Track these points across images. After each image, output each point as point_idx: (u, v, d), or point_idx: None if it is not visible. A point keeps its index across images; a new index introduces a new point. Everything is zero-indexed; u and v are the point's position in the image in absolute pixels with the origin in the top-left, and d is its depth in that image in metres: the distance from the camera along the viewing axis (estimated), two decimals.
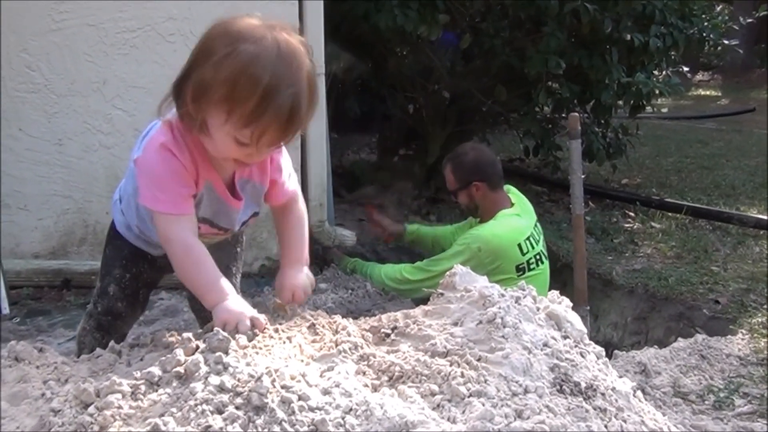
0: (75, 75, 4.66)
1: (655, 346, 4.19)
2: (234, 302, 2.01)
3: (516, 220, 4.31)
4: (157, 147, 2.03)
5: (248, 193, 2.30)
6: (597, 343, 5.40)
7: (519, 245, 4.17)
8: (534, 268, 4.23)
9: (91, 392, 1.63)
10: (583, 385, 1.85)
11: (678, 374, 3.80)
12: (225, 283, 2.05)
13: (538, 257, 4.26)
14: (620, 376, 2.26)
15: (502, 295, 2.08)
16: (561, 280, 5.31)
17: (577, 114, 4.74)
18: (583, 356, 1.99)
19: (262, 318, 2.00)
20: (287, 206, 2.41)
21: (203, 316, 2.65)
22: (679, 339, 4.21)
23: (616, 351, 4.13)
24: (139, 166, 2.09)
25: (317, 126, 5.15)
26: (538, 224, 4.48)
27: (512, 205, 4.42)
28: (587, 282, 4.99)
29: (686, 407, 3.51)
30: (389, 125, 8.10)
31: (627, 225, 6.91)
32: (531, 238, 4.25)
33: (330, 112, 7.65)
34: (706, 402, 3.55)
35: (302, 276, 2.32)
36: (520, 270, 4.17)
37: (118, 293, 2.51)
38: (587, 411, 1.77)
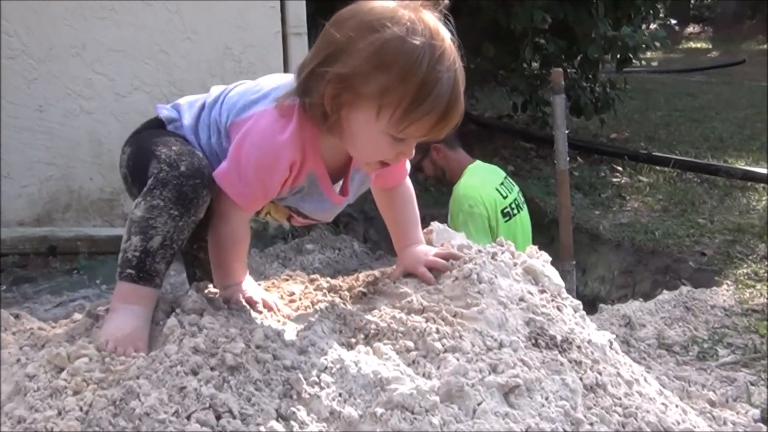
0: (54, 40, 4.62)
1: (641, 299, 4.21)
2: (247, 284, 2.00)
3: (483, 172, 4.37)
4: (263, 140, 1.81)
5: (356, 184, 2.05)
6: (584, 297, 5.44)
7: (497, 190, 4.23)
8: (516, 214, 4.27)
9: (64, 357, 1.63)
10: (559, 338, 1.86)
11: (662, 326, 3.81)
12: (243, 267, 2.02)
13: (515, 204, 4.31)
14: (599, 329, 2.28)
15: (479, 251, 2.08)
16: (548, 235, 5.34)
17: (560, 69, 4.73)
18: (559, 310, 2.00)
19: (271, 298, 2.01)
20: (405, 183, 2.17)
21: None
22: (664, 291, 4.23)
23: (601, 304, 4.15)
24: (238, 145, 1.84)
25: None
26: (508, 178, 4.50)
27: (474, 161, 4.46)
28: (574, 237, 5.01)
29: (670, 358, 3.53)
30: None
31: (615, 179, 6.92)
32: (503, 186, 4.31)
33: None
34: (690, 353, 3.57)
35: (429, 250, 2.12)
36: (506, 215, 4.19)
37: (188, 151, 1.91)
38: (562, 364, 1.78)
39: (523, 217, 4.42)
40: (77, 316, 2.06)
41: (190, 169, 1.80)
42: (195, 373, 1.59)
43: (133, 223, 1.77)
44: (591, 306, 4.38)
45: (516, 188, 4.46)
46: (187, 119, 1.98)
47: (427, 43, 1.66)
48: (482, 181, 4.30)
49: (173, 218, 1.76)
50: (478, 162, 4.47)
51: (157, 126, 2.02)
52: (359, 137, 1.77)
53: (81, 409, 1.52)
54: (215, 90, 2.02)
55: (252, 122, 1.83)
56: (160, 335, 1.76)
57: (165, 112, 2.02)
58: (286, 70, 5.24)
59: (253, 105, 1.87)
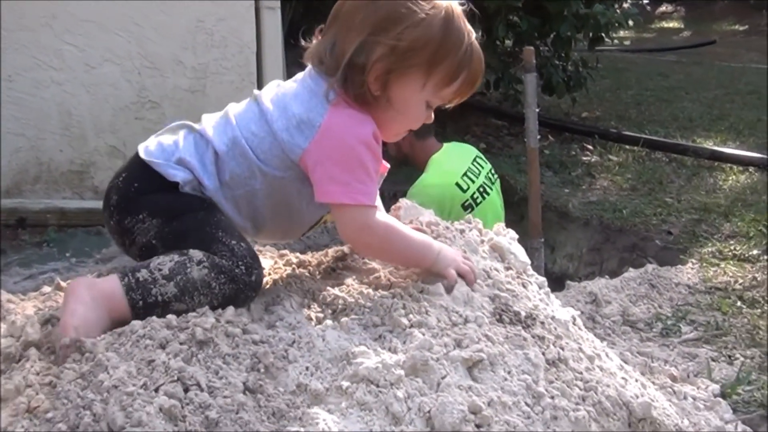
0: (23, 9, 4.56)
1: (607, 277, 4.27)
2: (445, 252, 1.95)
3: (447, 163, 4.30)
4: (357, 135, 1.83)
5: None
6: (552, 274, 5.50)
7: (457, 184, 4.17)
8: (481, 201, 4.24)
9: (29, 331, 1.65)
10: (523, 314, 1.90)
11: (628, 303, 3.88)
12: (422, 236, 1.98)
13: (481, 189, 4.26)
14: (565, 306, 2.32)
15: (447, 228, 2.11)
16: (518, 212, 5.38)
17: (531, 48, 4.75)
18: (524, 287, 2.04)
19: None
20: None
21: None
22: (630, 269, 4.30)
23: (568, 281, 4.21)
24: (331, 157, 1.82)
25: (273, 61, 5.11)
26: (479, 159, 4.44)
27: (441, 147, 4.38)
28: (544, 214, 5.07)
29: (634, 335, 3.59)
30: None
31: (585, 158, 6.98)
32: (468, 174, 4.24)
33: (291, 48, 7.59)
34: (654, 330, 3.64)
35: None
36: (467, 207, 4.17)
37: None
38: (525, 339, 1.82)
39: (493, 199, 4.38)
40: (46, 288, 2.07)
41: (257, 282, 1.82)
42: (163, 347, 1.61)
43: (188, 276, 1.75)
44: (559, 283, 4.44)
45: (486, 168, 4.38)
46: (209, 179, 1.88)
47: (458, 13, 1.85)
48: (442, 176, 4.22)
49: (207, 303, 1.76)
50: (446, 146, 4.37)
51: (156, 181, 1.87)
52: (404, 109, 1.90)
53: (50, 383, 1.55)
54: (218, 140, 1.89)
55: (331, 130, 1.83)
56: None
57: (179, 174, 1.87)
58: (258, 43, 5.22)
59: (304, 126, 1.85)
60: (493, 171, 4.44)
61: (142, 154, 1.90)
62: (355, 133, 1.83)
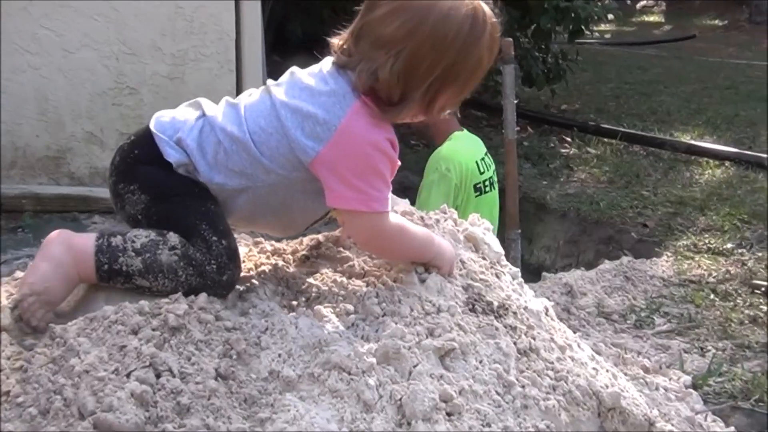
0: None
1: (583, 268, 4.30)
2: (444, 248, 1.96)
3: (469, 142, 4.31)
4: (374, 142, 1.78)
5: None
6: (529, 265, 5.52)
7: (477, 163, 4.17)
8: (487, 191, 4.22)
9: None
10: (496, 304, 1.91)
11: (603, 295, 3.91)
12: (424, 231, 1.98)
13: (490, 181, 4.26)
14: (541, 297, 2.34)
15: (422, 218, 2.12)
16: None
17: (510, 39, 4.76)
18: (498, 277, 2.05)
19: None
20: None
21: None
22: (606, 261, 4.33)
23: (544, 273, 4.24)
24: (345, 163, 1.78)
25: (252, 48, 5.09)
26: (487, 155, 4.45)
27: (462, 129, 4.40)
28: (521, 206, 5.09)
29: (608, 326, 3.63)
30: (332, 47, 8.02)
31: (563, 150, 7.02)
32: (484, 161, 4.25)
33: (272, 36, 7.56)
34: (628, 321, 3.68)
35: None
36: (478, 190, 4.16)
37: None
38: (497, 329, 1.83)
39: (494, 196, 4.37)
40: (19, 274, 2.06)
41: (228, 281, 1.80)
42: (135, 333, 1.61)
43: (156, 257, 1.75)
44: (536, 274, 4.47)
45: (493, 166, 4.38)
46: (205, 167, 1.84)
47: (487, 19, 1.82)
48: (466, 151, 4.23)
49: (172, 288, 1.75)
50: (465, 131, 4.40)
51: (155, 154, 1.83)
52: (438, 116, 1.95)
53: (21, 368, 1.54)
54: (222, 131, 1.84)
55: (349, 134, 1.78)
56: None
57: (174, 154, 1.83)
58: (237, 30, 5.20)
59: (319, 127, 1.79)
60: (496, 173, 4.40)
61: (152, 124, 1.88)
62: (373, 139, 1.78)
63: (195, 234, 1.79)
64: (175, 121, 1.88)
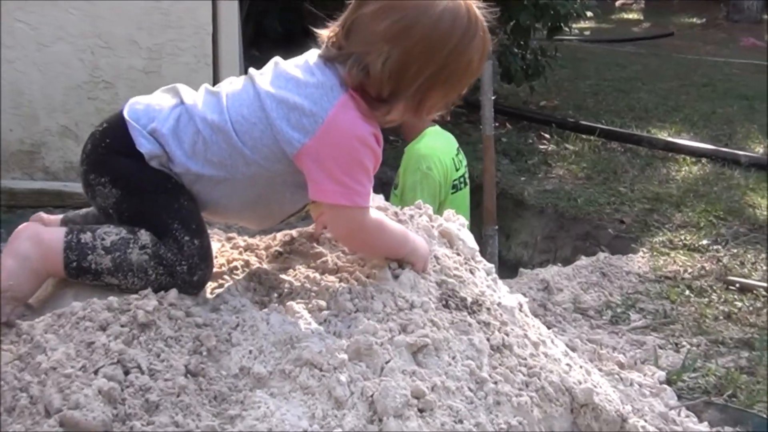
0: None
1: (559, 264, 4.31)
2: (418, 244, 1.95)
3: (443, 137, 4.27)
4: (360, 137, 1.76)
5: None
6: (507, 261, 5.51)
7: (452, 159, 4.13)
8: (461, 189, 4.20)
9: None
10: (469, 300, 1.91)
11: (579, 291, 3.92)
12: (400, 227, 1.97)
13: (462, 179, 4.24)
14: (517, 293, 2.34)
15: (396, 214, 2.11)
16: (473, 200, 5.38)
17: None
18: (472, 273, 2.04)
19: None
20: None
21: None
22: (582, 257, 4.34)
23: (521, 269, 4.24)
24: (332, 156, 1.76)
25: (229, 42, 5.07)
26: (460, 152, 4.43)
27: (434, 125, 4.36)
28: (500, 202, 5.09)
29: (585, 322, 3.64)
30: (311, 42, 8.00)
31: (542, 146, 7.02)
32: (458, 156, 4.22)
33: (250, 31, 7.53)
34: (604, 317, 3.69)
35: None
36: (454, 187, 4.13)
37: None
38: (470, 325, 1.83)
39: (466, 194, 4.35)
40: None
41: (199, 281, 1.78)
42: (104, 329, 1.59)
43: (126, 256, 1.73)
44: (513, 270, 4.48)
45: (465, 162, 4.37)
46: (180, 158, 1.80)
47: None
48: (443, 147, 4.20)
49: (141, 287, 1.73)
50: (437, 127, 4.36)
51: (128, 144, 1.79)
52: (427, 116, 1.94)
53: None
54: (202, 119, 1.81)
55: (336, 127, 1.76)
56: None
57: (146, 145, 1.79)
58: (214, 23, 5.16)
59: (306, 119, 1.77)
60: (467, 168, 4.38)
61: (125, 111, 1.83)
62: (360, 133, 1.76)
63: (167, 233, 1.76)
64: (149, 109, 1.84)
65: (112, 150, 1.81)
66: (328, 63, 1.81)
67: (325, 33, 1.84)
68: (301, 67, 1.85)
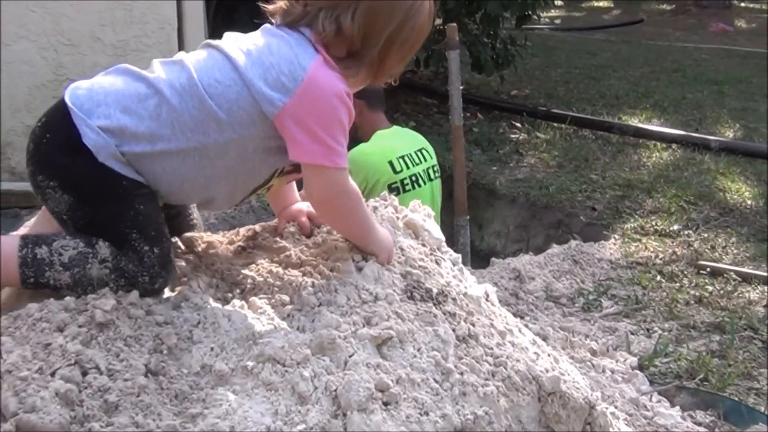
0: None
1: (531, 253, 4.31)
2: (382, 235, 1.93)
3: (390, 139, 4.25)
4: (339, 94, 1.75)
5: None
6: (479, 251, 5.51)
7: (390, 162, 4.11)
8: (410, 189, 4.15)
9: None
10: (435, 291, 1.89)
11: (551, 279, 3.93)
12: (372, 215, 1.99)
13: (414, 178, 4.19)
14: (487, 282, 2.33)
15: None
16: (445, 190, 5.38)
17: (454, 25, 4.74)
18: (437, 264, 2.03)
19: None
20: None
21: None
22: (554, 245, 4.35)
23: (493, 258, 4.23)
24: (312, 114, 1.73)
25: (195, 37, 5.02)
26: (425, 151, 4.38)
27: (389, 126, 4.34)
28: (471, 192, 5.09)
29: (557, 310, 3.64)
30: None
31: (513, 136, 7.02)
32: (407, 158, 4.18)
33: (220, 24, 7.46)
34: (576, 304, 3.69)
35: None
36: (393, 189, 4.10)
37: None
38: (436, 316, 1.81)
39: (424, 192, 4.29)
40: None
41: (160, 288, 1.74)
42: (61, 330, 1.56)
43: (85, 271, 1.68)
44: (486, 260, 4.47)
45: (429, 162, 4.29)
46: (143, 133, 1.71)
47: None
48: (380, 150, 4.16)
49: (97, 288, 1.68)
50: (394, 128, 4.31)
51: (72, 138, 1.68)
52: (386, 77, 1.96)
53: None
54: (168, 87, 1.73)
55: (316, 84, 1.74)
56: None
57: (92, 137, 1.68)
58: (180, 19, 5.11)
59: (284, 77, 1.73)
60: (436, 168, 4.34)
61: (67, 96, 1.71)
62: (338, 90, 1.75)
63: (125, 244, 1.71)
64: (92, 92, 1.73)
65: (55, 146, 1.71)
66: (291, 27, 1.80)
67: (278, 3, 1.83)
68: (265, 32, 1.82)
